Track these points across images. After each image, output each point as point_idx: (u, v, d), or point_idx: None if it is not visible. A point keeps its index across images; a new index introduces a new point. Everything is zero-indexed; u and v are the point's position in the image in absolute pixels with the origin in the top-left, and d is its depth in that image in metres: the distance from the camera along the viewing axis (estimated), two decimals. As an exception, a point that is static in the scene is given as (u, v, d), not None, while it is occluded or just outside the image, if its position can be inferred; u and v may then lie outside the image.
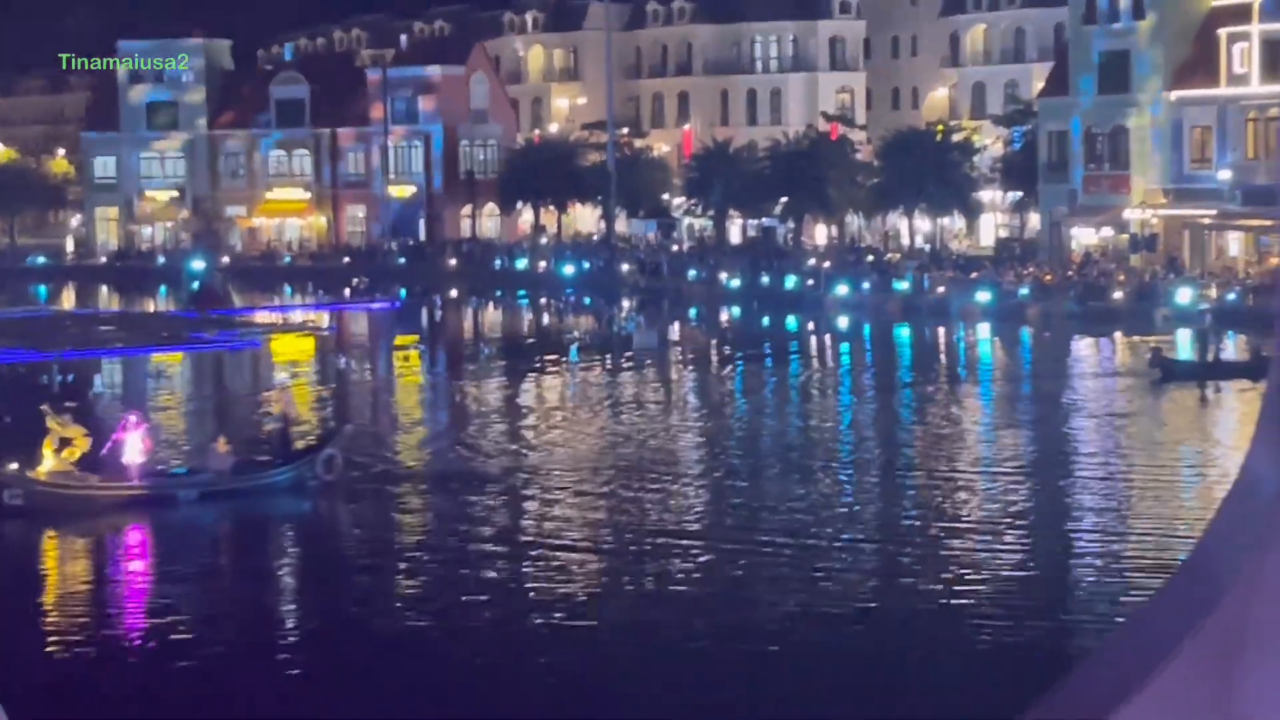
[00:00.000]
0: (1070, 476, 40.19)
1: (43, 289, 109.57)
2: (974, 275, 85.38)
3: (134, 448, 37.48)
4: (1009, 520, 35.02)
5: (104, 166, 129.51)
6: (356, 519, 37.35)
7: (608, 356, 68.73)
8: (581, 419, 51.01)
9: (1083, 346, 69.71)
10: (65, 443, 36.84)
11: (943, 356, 71.33)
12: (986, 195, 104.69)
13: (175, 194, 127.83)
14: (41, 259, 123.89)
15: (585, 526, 35.37)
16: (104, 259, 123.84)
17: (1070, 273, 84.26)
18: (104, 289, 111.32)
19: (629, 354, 69.84)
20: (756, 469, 41.65)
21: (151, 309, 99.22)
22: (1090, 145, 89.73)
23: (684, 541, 33.20)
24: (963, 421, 49.96)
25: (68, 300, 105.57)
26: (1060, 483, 39.24)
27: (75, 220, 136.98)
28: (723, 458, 43.65)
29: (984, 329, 76.57)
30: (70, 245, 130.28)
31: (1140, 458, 42.40)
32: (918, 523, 34.87)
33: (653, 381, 60.41)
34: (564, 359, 68.01)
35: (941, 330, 77.19)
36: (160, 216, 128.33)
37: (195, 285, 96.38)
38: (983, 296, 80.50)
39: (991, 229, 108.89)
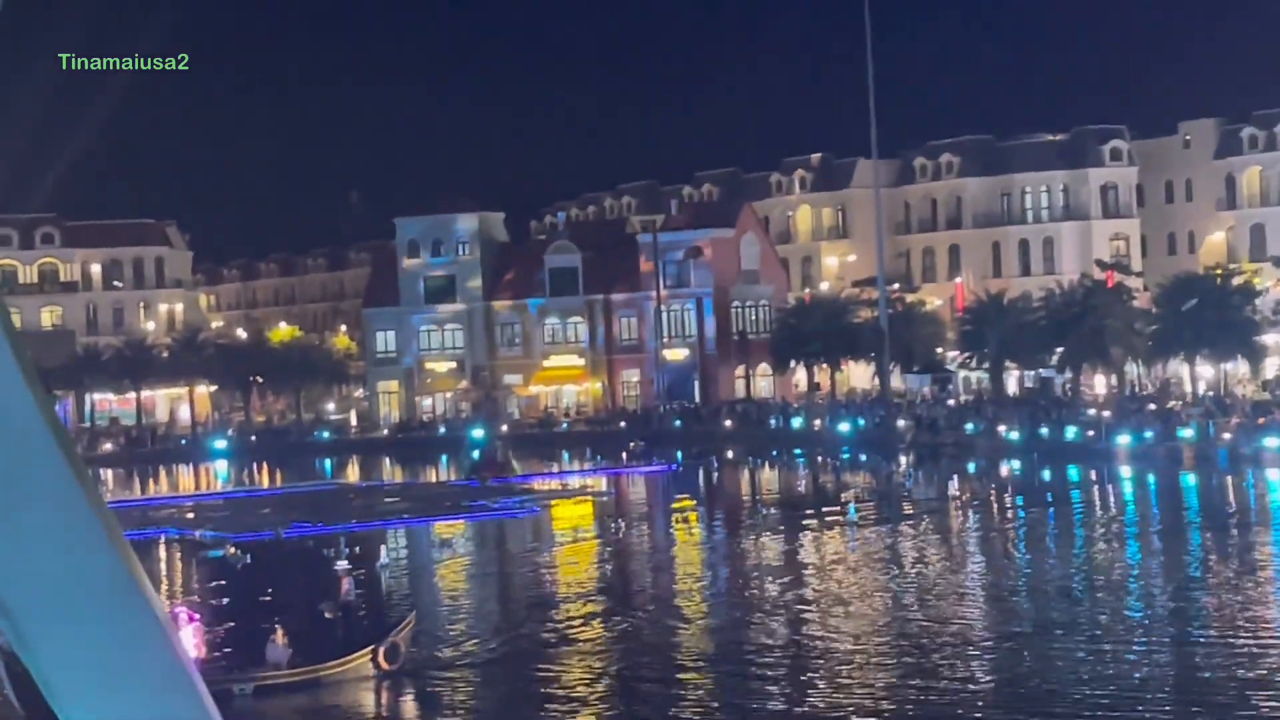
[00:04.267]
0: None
1: (328, 463, 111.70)
2: (1261, 420, 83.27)
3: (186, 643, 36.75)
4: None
5: (384, 340, 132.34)
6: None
7: (887, 513, 68.02)
8: (862, 581, 50.35)
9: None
10: None
11: (1233, 505, 69.32)
12: (1270, 338, 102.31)
13: (454, 365, 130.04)
14: (326, 433, 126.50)
15: (862, 701, 34.64)
16: (386, 431, 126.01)
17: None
18: (387, 460, 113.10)
19: (909, 510, 69.09)
20: (1044, 634, 40.46)
21: (434, 479, 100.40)
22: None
23: (976, 717, 32.14)
24: (1260, 576, 48.38)
25: (353, 473, 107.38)
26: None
27: (358, 394, 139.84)
28: (1008, 622, 42.62)
29: (1273, 475, 74.50)
30: (354, 419, 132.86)
31: None
32: (1218, 695, 33.24)
33: (934, 539, 59.57)
34: (843, 517, 67.41)
35: (1230, 478, 75.21)
36: (440, 387, 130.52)
37: (476, 454, 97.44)
38: (1272, 442, 78.46)
39: (1277, 372, 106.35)
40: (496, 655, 40.77)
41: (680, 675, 37.39)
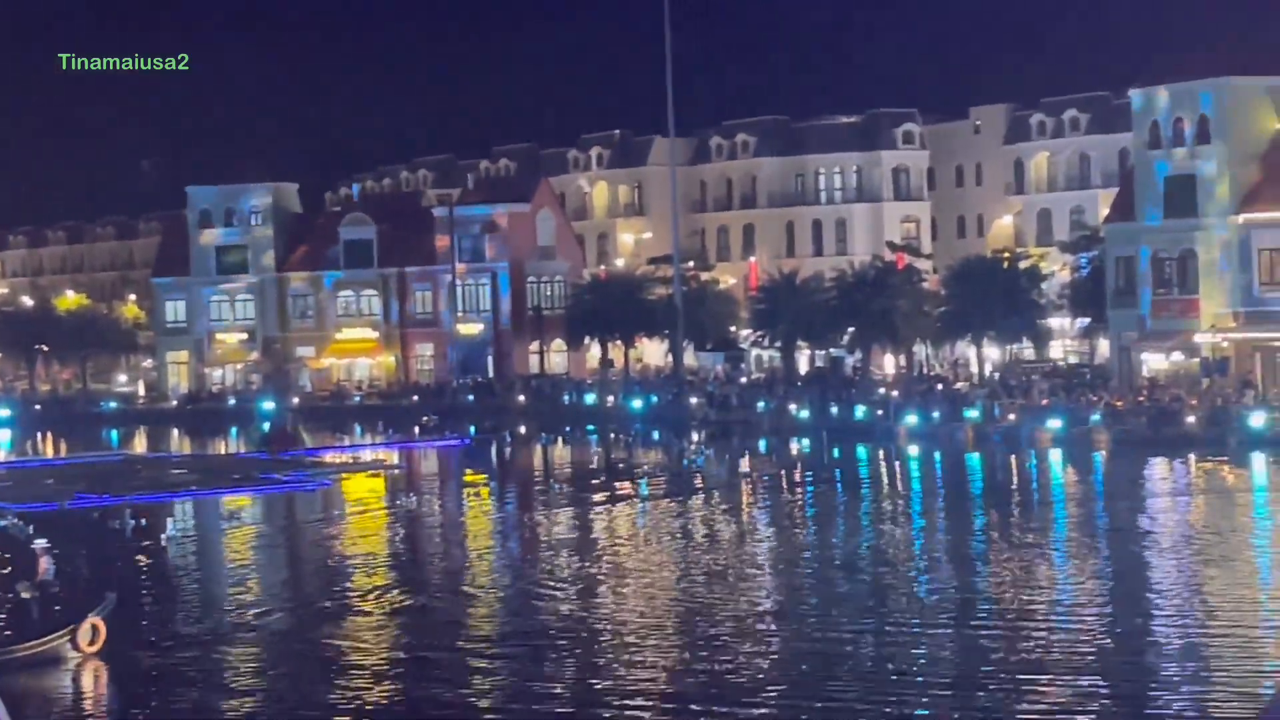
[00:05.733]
0: (1155, 613, 39.59)
1: (114, 433, 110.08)
2: (1045, 402, 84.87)
3: None
4: (1086, 666, 34.00)
5: (174, 310, 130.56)
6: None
7: (678, 490, 68.41)
8: (651, 556, 50.61)
9: (1156, 471, 69.02)
10: None
11: (1015, 484, 70.59)
12: (1055, 322, 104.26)
13: (245, 336, 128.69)
14: (113, 403, 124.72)
15: (641, 689, 34.80)
16: (175, 402, 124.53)
17: (1141, 398, 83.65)
18: (175, 432, 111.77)
19: (699, 487, 69.54)
20: (828, 611, 40.91)
21: (223, 451, 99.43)
22: (1158, 270, 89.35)
23: (754, 699, 32.21)
24: (1038, 553, 49.25)
25: (140, 444, 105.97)
26: (1142, 619, 38.53)
27: (147, 364, 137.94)
28: (795, 599, 43.04)
29: (1056, 455, 75.99)
30: (141, 389, 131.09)
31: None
32: (994, 670, 33.65)
33: (723, 515, 59.99)
34: (634, 494, 67.69)
35: (1013, 457, 76.59)
36: (230, 359, 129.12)
37: (266, 426, 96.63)
38: (1053, 423, 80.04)
39: (1060, 355, 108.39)
40: (281, 627, 40.51)
41: (468, 651, 37.32)
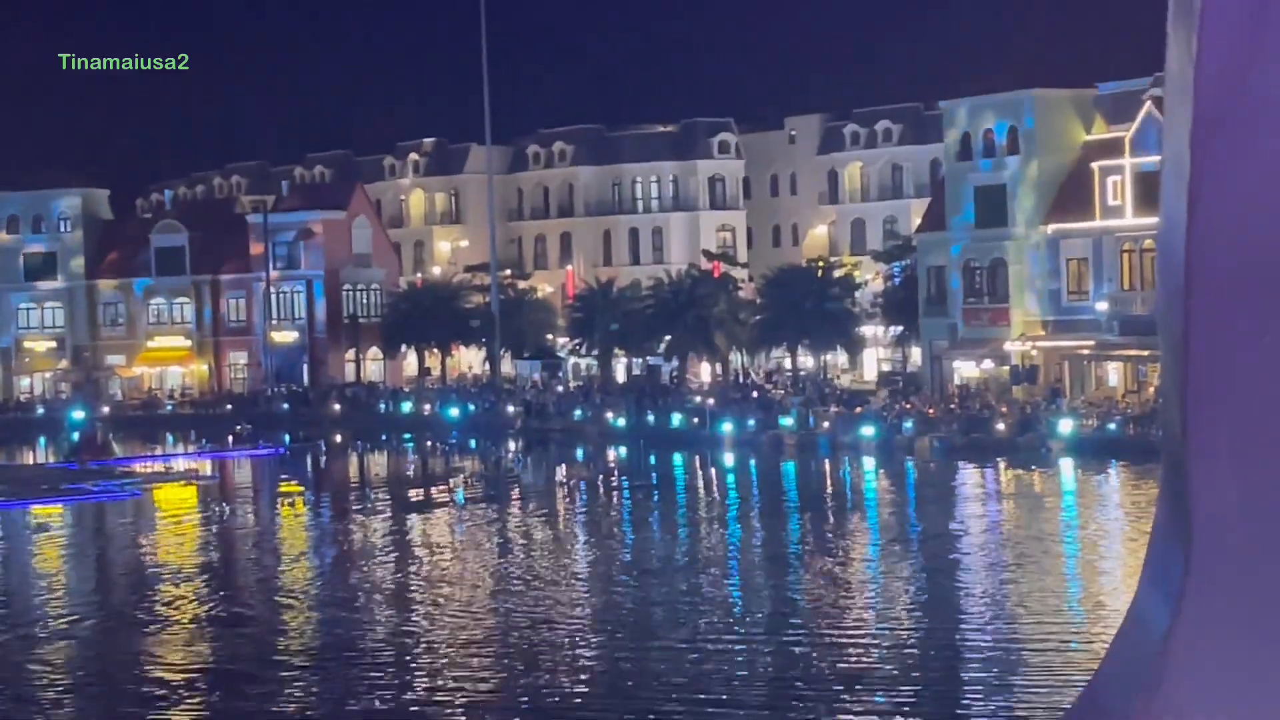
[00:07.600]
0: (968, 619, 40.05)
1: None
2: (858, 410, 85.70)
3: None
4: (900, 675, 34.30)
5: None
6: None
7: (495, 498, 68.28)
8: (467, 566, 50.42)
9: (968, 477, 69.93)
10: None
11: (829, 491, 71.27)
12: (868, 330, 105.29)
13: (54, 344, 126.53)
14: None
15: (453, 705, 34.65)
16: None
17: (953, 405, 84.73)
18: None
19: (516, 496, 69.45)
20: (645, 621, 40.95)
21: (31, 460, 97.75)
22: (969, 279, 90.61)
23: (572, 711, 32.08)
24: (851, 560, 49.71)
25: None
26: (954, 626, 38.97)
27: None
28: (610, 609, 43.05)
29: (869, 463, 76.75)
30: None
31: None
32: (811, 685, 33.90)
33: (540, 525, 59.97)
34: (451, 502, 67.45)
35: (827, 464, 77.27)
36: (39, 367, 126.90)
37: (75, 435, 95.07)
38: (867, 431, 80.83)
39: (874, 364, 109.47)
40: (90, 636, 39.87)
41: (280, 662, 36.93)
